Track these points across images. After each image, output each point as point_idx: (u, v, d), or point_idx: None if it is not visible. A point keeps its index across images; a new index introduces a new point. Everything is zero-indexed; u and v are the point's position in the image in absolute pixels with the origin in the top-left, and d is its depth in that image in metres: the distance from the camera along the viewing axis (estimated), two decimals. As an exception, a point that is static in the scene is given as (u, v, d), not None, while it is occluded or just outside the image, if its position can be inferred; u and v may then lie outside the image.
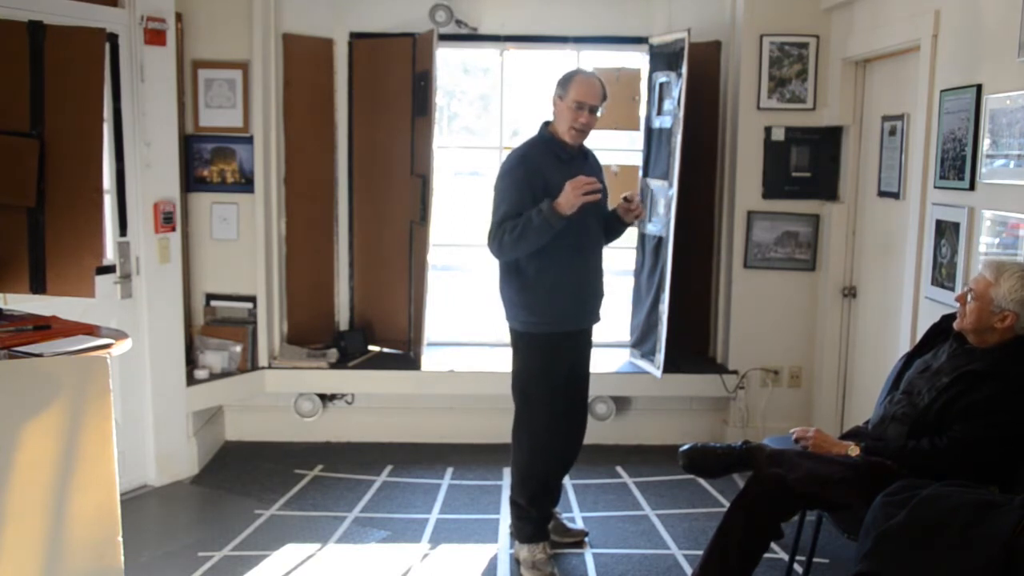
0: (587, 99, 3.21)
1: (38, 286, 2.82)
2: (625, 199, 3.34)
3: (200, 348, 4.56)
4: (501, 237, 3.18)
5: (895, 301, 3.88)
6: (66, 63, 2.77)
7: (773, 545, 3.16)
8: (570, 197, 3.07)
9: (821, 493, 2.63)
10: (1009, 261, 2.77)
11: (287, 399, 4.83)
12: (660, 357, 4.47)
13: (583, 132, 3.27)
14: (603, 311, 3.55)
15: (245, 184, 4.57)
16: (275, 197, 4.70)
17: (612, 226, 3.47)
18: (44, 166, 2.74)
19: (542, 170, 3.22)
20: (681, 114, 4.32)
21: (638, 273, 4.81)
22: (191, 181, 4.55)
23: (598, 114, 3.27)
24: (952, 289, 3.19)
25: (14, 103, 2.73)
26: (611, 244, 3.57)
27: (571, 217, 3.09)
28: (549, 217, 3.08)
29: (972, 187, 3.18)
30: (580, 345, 3.49)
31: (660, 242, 4.51)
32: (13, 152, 2.71)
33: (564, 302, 3.31)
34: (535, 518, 3.40)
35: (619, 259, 5.20)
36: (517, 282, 3.32)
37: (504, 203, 3.22)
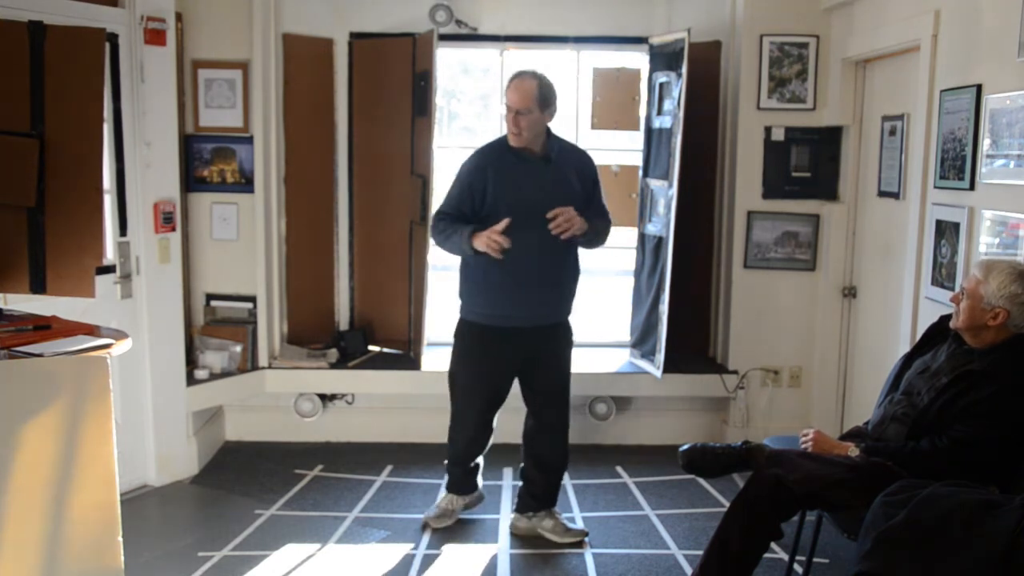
0: (511, 103, 3.34)
1: (38, 286, 2.82)
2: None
3: (200, 348, 4.56)
4: (433, 229, 3.50)
5: (895, 301, 3.88)
6: (66, 63, 2.77)
7: (773, 545, 3.16)
8: (483, 240, 3.28)
9: (821, 493, 2.63)
10: (1000, 260, 2.78)
11: (287, 399, 4.83)
12: (660, 357, 4.47)
13: (519, 135, 3.36)
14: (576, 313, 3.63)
15: (245, 184, 4.57)
16: (275, 197, 4.70)
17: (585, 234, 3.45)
18: (44, 166, 2.74)
19: (489, 169, 3.39)
20: (681, 114, 4.31)
21: (638, 273, 4.81)
22: (191, 181, 4.55)
23: (529, 115, 3.33)
24: (952, 289, 3.19)
25: (14, 103, 2.72)
26: (594, 248, 3.58)
27: (485, 254, 3.29)
28: (463, 244, 3.34)
29: (972, 187, 3.18)
30: (526, 345, 3.52)
31: (660, 242, 4.51)
32: (13, 152, 2.71)
33: (496, 297, 3.44)
34: (453, 476, 3.81)
35: (619, 259, 5.20)
36: (462, 268, 3.52)
37: (446, 196, 3.51)
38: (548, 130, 3.48)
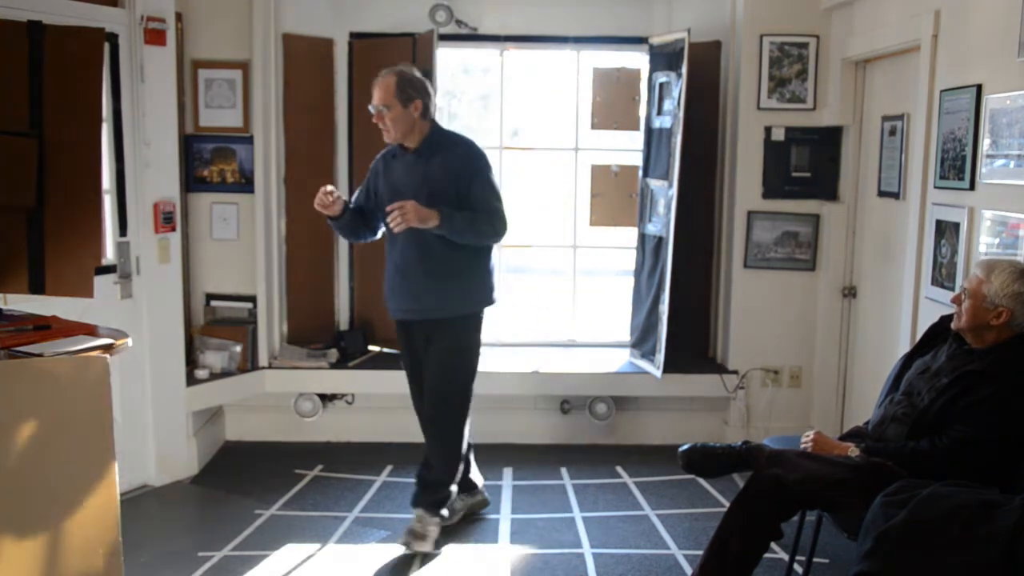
0: (373, 101, 3.38)
1: (38, 286, 2.82)
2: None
3: (200, 348, 4.56)
4: None
5: (895, 301, 3.88)
6: (66, 63, 2.77)
7: (773, 545, 3.16)
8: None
9: (821, 493, 2.63)
10: (1001, 259, 2.78)
11: (287, 399, 4.83)
12: (660, 357, 4.47)
13: (387, 131, 3.40)
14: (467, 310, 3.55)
15: (245, 184, 4.58)
16: (275, 197, 4.70)
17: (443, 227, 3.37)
18: (44, 166, 2.74)
19: (380, 166, 3.57)
20: (681, 114, 4.32)
21: (638, 273, 4.81)
22: (191, 181, 4.55)
23: (391, 111, 3.34)
24: (952, 289, 3.19)
25: (14, 103, 2.72)
26: (475, 242, 3.44)
27: (331, 217, 3.49)
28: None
29: (972, 187, 3.18)
30: (422, 339, 3.56)
31: (660, 242, 4.51)
32: (13, 152, 2.71)
33: (389, 291, 3.61)
34: None
35: (619, 259, 5.18)
36: None
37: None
38: (432, 124, 3.46)
